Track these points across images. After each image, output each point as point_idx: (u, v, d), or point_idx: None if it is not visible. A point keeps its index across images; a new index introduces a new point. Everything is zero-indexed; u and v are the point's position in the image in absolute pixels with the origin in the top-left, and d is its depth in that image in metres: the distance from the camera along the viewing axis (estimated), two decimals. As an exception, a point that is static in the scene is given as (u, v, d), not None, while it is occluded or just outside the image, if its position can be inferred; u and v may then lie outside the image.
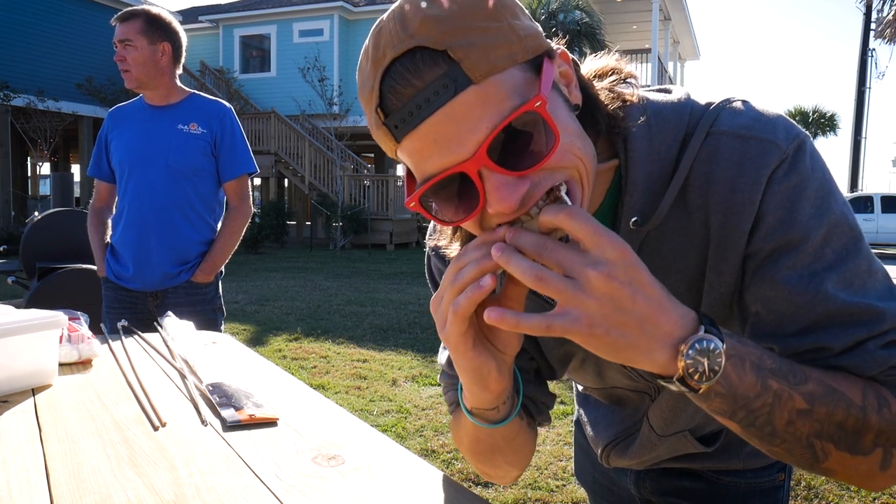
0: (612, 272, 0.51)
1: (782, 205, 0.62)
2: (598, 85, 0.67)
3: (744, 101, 0.67)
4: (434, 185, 0.57)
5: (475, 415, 0.70)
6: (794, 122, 0.65)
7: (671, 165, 0.66)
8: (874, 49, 21.78)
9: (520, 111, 0.54)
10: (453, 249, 0.71)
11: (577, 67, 0.65)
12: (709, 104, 0.67)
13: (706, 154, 0.64)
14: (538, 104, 0.54)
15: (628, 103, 0.66)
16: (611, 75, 0.68)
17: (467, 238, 0.69)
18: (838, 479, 0.63)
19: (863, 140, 21.89)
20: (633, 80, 0.69)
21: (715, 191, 0.64)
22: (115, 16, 2.25)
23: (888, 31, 14.92)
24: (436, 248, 0.82)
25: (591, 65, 0.70)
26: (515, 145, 0.55)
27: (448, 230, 0.71)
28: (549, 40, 0.61)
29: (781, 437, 0.59)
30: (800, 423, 0.58)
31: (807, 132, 0.65)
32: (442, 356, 0.87)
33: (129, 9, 2.25)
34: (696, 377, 0.54)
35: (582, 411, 1.06)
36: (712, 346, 0.53)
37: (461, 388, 0.70)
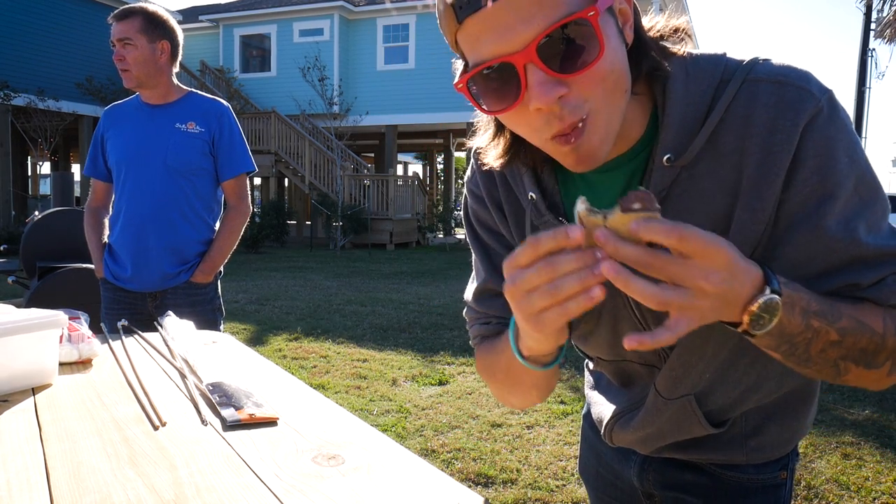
0: (723, 278, 0.57)
1: (821, 152, 0.67)
2: (650, 33, 0.72)
3: (770, 59, 0.73)
4: (482, 73, 0.63)
5: (531, 361, 0.76)
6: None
7: (705, 108, 0.70)
8: (874, 49, 21.79)
9: (574, 16, 0.59)
10: (491, 157, 0.78)
11: (637, 13, 0.70)
12: (742, 59, 0.72)
13: (744, 99, 0.69)
14: (591, 14, 0.60)
15: (673, 55, 0.72)
16: (667, 30, 0.73)
17: (507, 145, 0.76)
18: (850, 384, 0.72)
19: (863, 140, 21.89)
20: (685, 38, 0.74)
21: (754, 132, 0.69)
22: (112, 14, 2.23)
23: (888, 31, 14.89)
24: (476, 167, 0.88)
25: (652, 20, 0.74)
26: (563, 50, 0.61)
27: (489, 133, 0.78)
28: None
29: (814, 361, 0.68)
30: (831, 351, 0.67)
31: (834, 92, 0.70)
32: (469, 292, 0.94)
33: (127, 7, 2.23)
34: (756, 328, 0.62)
35: (591, 396, 1.07)
36: (773, 302, 0.60)
37: (514, 334, 0.75)
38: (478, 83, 0.65)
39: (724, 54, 0.73)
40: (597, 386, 1.06)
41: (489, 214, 0.88)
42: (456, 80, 0.67)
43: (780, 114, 0.67)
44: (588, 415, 1.11)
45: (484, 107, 0.67)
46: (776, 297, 0.60)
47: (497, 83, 0.63)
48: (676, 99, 0.70)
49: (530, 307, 0.61)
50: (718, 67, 0.71)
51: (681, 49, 0.73)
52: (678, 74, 0.71)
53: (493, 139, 0.78)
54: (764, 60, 0.71)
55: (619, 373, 0.96)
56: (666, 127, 0.71)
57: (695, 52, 0.74)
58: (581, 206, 0.59)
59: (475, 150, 0.86)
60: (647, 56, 0.70)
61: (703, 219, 0.72)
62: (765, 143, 0.68)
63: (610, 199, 0.76)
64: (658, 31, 0.73)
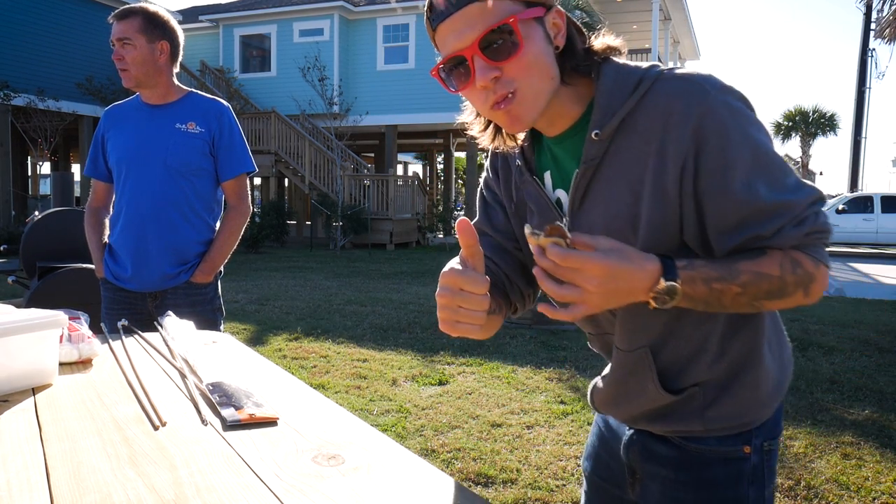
0: (601, 281, 0.80)
1: (718, 133, 0.86)
2: (594, 45, 0.95)
3: (688, 69, 0.93)
4: (448, 63, 0.90)
5: None
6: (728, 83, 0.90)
7: (626, 97, 0.92)
8: (874, 49, 21.74)
9: (500, 22, 0.85)
10: (477, 132, 1.04)
11: (572, 28, 0.94)
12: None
13: (655, 92, 0.90)
14: (512, 20, 0.85)
15: (609, 60, 0.95)
16: (605, 45, 0.95)
17: (486, 122, 1.02)
18: (775, 310, 0.95)
19: (863, 140, 21.86)
20: (617, 55, 0.96)
21: (657, 115, 0.89)
22: (112, 14, 2.23)
23: (888, 31, 14.87)
24: (491, 158, 1.15)
25: (600, 39, 0.96)
26: (498, 46, 0.86)
27: (473, 113, 1.03)
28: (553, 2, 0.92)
29: (730, 306, 0.88)
30: (740, 299, 0.87)
31: (736, 88, 0.90)
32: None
33: (127, 6, 2.23)
34: (661, 304, 0.84)
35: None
36: (671, 287, 0.83)
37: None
38: (446, 70, 0.91)
39: (656, 65, 0.93)
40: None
41: (489, 175, 1.16)
42: (430, 69, 0.93)
43: (676, 100, 0.88)
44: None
45: (451, 88, 0.93)
46: (672, 283, 0.82)
47: (457, 70, 0.90)
48: (605, 89, 0.92)
49: (441, 312, 0.87)
50: (641, 71, 0.92)
51: (617, 58, 0.95)
52: (610, 73, 0.93)
53: (476, 117, 1.04)
54: (680, 68, 0.92)
55: (604, 346, 1.11)
56: (596, 109, 0.92)
57: (631, 62, 0.95)
58: (527, 230, 0.80)
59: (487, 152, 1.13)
60: (573, 56, 0.93)
61: (625, 184, 0.93)
62: (665, 123, 0.88)
63: (568, 163, 1.00)
64: (601, 46, 0.95)
